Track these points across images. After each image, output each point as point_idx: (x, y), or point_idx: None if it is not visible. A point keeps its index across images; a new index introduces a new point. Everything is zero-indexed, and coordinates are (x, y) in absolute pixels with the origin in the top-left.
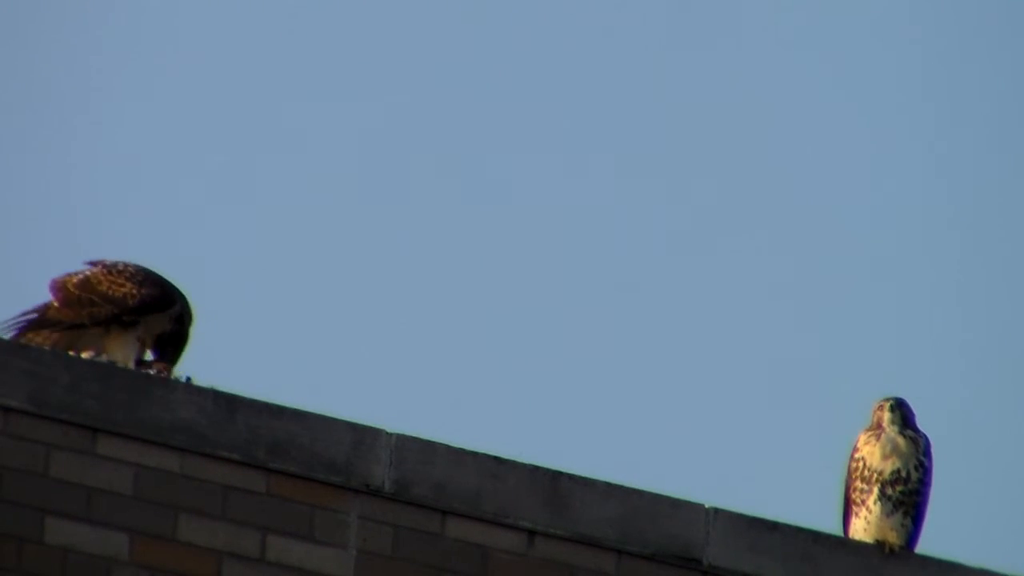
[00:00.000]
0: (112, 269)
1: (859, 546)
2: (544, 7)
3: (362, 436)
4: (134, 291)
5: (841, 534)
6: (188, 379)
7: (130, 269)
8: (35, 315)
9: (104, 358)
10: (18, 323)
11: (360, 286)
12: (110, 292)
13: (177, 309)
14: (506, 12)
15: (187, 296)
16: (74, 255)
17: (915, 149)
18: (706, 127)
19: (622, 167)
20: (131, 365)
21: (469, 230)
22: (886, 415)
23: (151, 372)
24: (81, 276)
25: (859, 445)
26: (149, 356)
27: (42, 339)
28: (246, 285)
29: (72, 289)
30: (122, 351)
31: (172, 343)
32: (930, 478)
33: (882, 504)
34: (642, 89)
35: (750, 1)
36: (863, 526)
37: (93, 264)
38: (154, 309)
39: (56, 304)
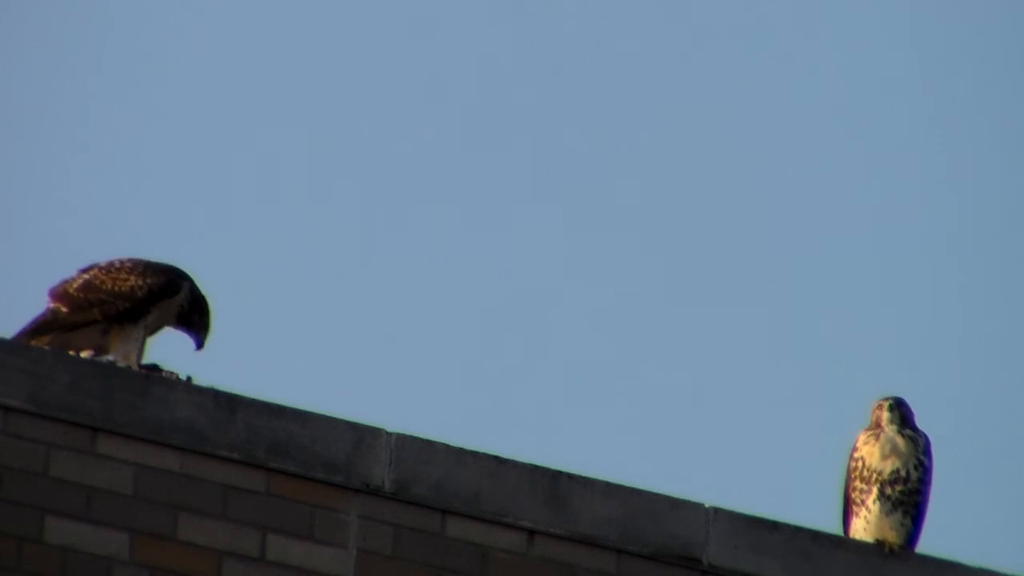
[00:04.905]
0: (110, 268)
1: (859, 546)
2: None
3: (362, 436)
4: (140, 283)
5: (841, 534)
6: (188, 379)
7: (127, 264)
8: (42, 320)
9: (105, 357)
10: (24, 331)
11: (360, 286)
12: (116, 288)
13: (186, 292)
14: (507, 15)
15: (186, 272)
16: (74, 255)
17: (916, 148)
18: (708, 127)
19: (621, 167)
20: (134, 360)
21: (468, 231)
22: (885, 414)
23: (165, 375)
24: (80, 280)
25: (858, 445)
26: (159, 363)
27: (47, 341)
28: (246, 285)
29: (75, 293)
30: (125, 347)
31: (197, 311)
32: (930, 477)
33: (881, 504)
34: (642, 89)
35: (747, 3)
36: (863, 526)
37: (86, 270)
38: (163, 296)
39: (65, 309)
